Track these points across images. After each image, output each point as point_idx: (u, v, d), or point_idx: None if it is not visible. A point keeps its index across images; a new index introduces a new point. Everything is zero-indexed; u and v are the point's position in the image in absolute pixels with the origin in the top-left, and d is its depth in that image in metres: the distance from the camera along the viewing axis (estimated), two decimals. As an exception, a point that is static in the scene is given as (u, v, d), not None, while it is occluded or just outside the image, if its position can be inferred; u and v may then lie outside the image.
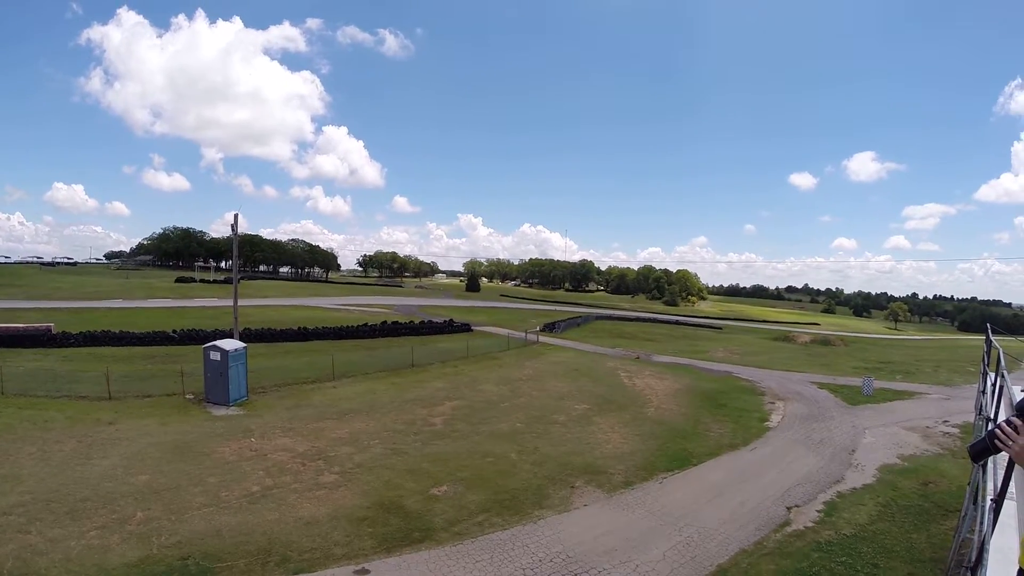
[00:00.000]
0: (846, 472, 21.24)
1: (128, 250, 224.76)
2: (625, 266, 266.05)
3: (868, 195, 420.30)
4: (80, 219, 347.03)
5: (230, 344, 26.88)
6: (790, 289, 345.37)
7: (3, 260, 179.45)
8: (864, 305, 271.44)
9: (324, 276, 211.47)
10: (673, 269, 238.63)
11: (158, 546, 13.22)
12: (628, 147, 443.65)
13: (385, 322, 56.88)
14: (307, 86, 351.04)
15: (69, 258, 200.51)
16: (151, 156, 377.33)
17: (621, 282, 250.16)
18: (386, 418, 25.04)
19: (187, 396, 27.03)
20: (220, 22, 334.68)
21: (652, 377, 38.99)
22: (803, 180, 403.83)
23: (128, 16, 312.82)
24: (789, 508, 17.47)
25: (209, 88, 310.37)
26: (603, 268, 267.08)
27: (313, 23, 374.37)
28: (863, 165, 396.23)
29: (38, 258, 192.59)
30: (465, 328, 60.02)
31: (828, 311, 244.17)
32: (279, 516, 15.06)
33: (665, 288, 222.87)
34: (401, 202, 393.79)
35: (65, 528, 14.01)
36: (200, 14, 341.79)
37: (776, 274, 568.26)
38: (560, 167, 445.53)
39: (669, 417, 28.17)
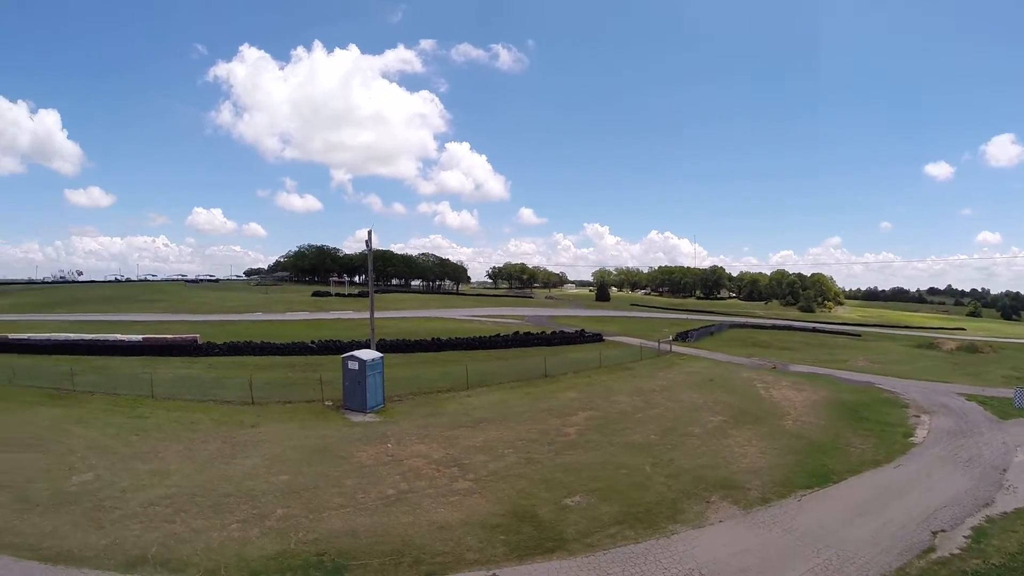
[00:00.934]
0: (996, 494, 19.08)
1: (266, 267, 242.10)
2: (757, 271, 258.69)
3: (1010, 182, 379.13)
4: (220, 240, 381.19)
5: (367, 354, 28.03)
6: (932, 291, 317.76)
7: (151, 278, 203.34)
8: (1013, 306, 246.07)
9: (455, 288, 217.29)
10: (807, 273, 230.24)
11: (295, 541, 13.90)
12: (753, 148, 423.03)
13: (517, 332, 57.48)
14: (427, 105, 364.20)
15: (211, 275, 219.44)
16: (283, 180, 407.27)
17: (753, 288, 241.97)
18: (520, 427, 25.13)
19: (326, 403, 28.41)
20: (337, 51, 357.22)
21: (789, 388, 36.95)
22: (940, 170, 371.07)
23: (250, 52, 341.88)
24: (934, 532, 15.86)
25: (333, 114, 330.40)
26: (734, 274, 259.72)
27: (427, 44, 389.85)
28: (1002, 149, 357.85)
29: (182, 276, 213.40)
30: (597, 338, 59.60)
31: (974, 314, 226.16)
32: (413, 519, 15.39)
33: (799, 293, 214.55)
34: (527, 213, 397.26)
35: (208, 520, 15.08)
36: (318, 45, 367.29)
37: (916, 274, 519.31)
38: (685, 171, 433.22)
39: (808, 431, 26.56)
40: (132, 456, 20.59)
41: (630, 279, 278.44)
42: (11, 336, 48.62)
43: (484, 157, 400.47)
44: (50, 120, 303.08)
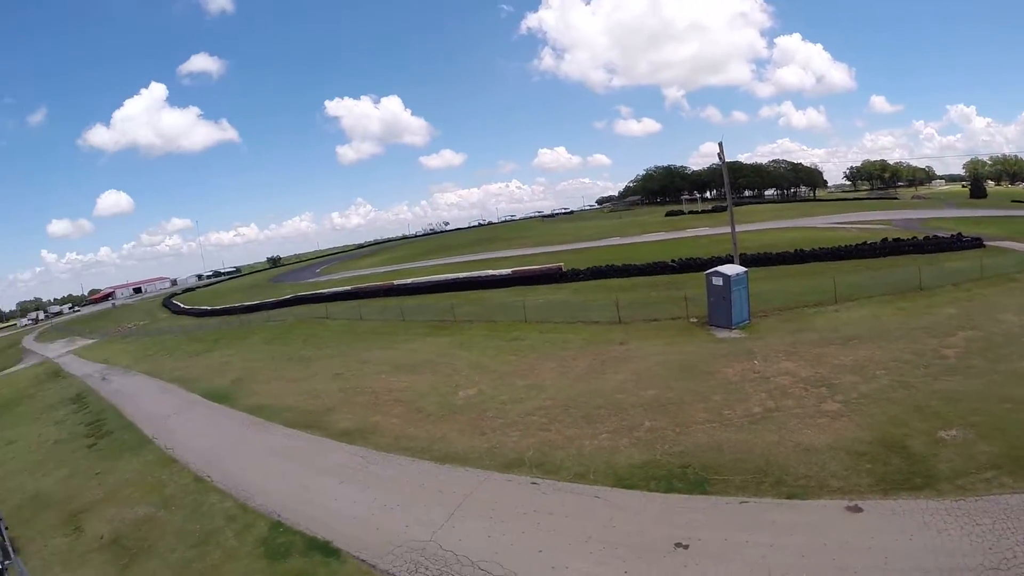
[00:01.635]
0: None
1: (616, 194, 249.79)
2: None
3: None
4: (567, 175, 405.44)
5: (731, 269, 27.90)
6: None
7: (510, 218, 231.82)
8: None
9: (811, 195, 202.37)
10: None
11: (661, 452, 14.83)
12: None
13: (885, 239, 51.72)
14: (744, 2, 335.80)
15: (565, 208, 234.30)
16: (617, 108, 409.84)
17: None
18: (892, 346, 22.88)
19: (691, 320, 29.03)
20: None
21: None
22: None
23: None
24: None
25: (650, 34, 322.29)
26: None
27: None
28: None
29: (538, 212, 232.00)
30: (976, 243, 50.84)
31: None
32: (778, 439, 15.22)
33: None
34: (879, 102, 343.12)
35: (580, 429, 16.87)
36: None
37: None
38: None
39: None
40: (510, 373, 23.76)
41: (1008, 169, 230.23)
42: (396, 282, 60.34)
43: (819, 46, 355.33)
44: (393, 105, 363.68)
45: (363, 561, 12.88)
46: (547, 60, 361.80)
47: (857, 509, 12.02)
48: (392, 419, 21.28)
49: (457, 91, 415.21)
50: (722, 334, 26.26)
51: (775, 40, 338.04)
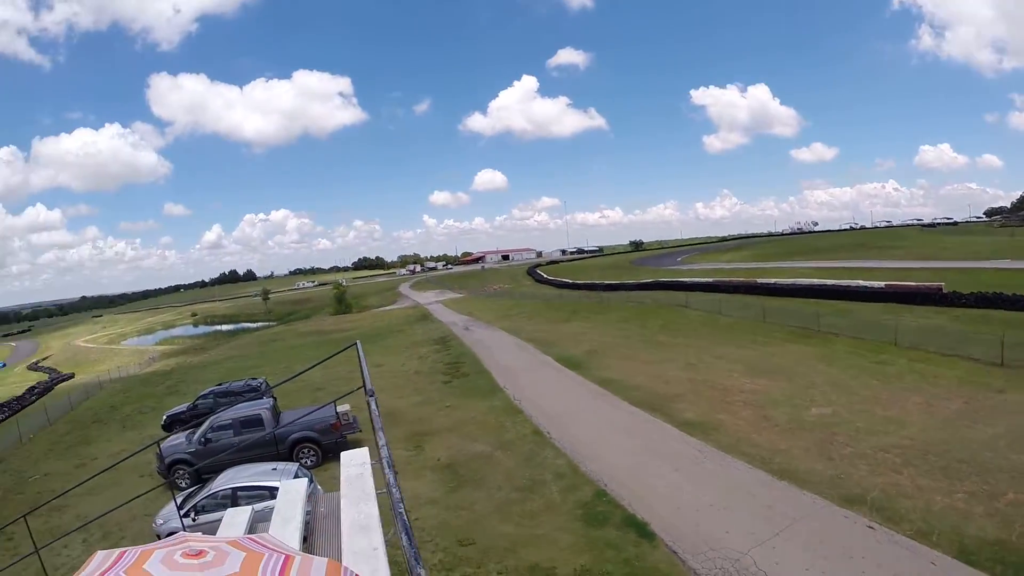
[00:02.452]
0: None
1: (1008, 204, 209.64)
2: None
3: None
4: (951, 178, 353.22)
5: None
6: None
7: (885, 224, 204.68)
8: None
9: None
10: None
11: (1018, 535, 12.19)
12: None
13: None
14: None
15: (948, 217, 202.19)
16: (1010, 97, 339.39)
17: None
18: None
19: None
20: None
21: None
22: None
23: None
24: None
25: None
26: None
27: None
28: None
29: (917, 220, 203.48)
30: None
31: None
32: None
33: None
34: None
35: (934, 481, 14.68)
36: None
37: None
38: None
39: None
40: (870, 399, 21.61)
41: None
42: (759, 280, 58.34)
43: None
44: (760, 94, 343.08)
45: (674, 552, 12.94)
46: (925, 39, 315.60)
47: None
48: (738, 420, 20.83)
49: (827, 77, 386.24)
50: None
51: None
